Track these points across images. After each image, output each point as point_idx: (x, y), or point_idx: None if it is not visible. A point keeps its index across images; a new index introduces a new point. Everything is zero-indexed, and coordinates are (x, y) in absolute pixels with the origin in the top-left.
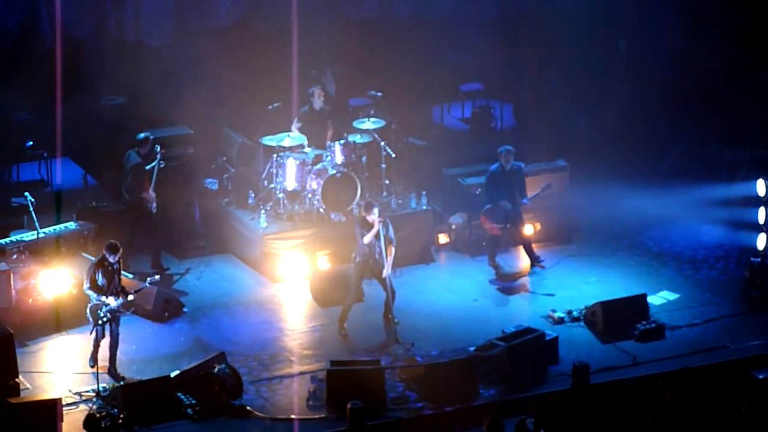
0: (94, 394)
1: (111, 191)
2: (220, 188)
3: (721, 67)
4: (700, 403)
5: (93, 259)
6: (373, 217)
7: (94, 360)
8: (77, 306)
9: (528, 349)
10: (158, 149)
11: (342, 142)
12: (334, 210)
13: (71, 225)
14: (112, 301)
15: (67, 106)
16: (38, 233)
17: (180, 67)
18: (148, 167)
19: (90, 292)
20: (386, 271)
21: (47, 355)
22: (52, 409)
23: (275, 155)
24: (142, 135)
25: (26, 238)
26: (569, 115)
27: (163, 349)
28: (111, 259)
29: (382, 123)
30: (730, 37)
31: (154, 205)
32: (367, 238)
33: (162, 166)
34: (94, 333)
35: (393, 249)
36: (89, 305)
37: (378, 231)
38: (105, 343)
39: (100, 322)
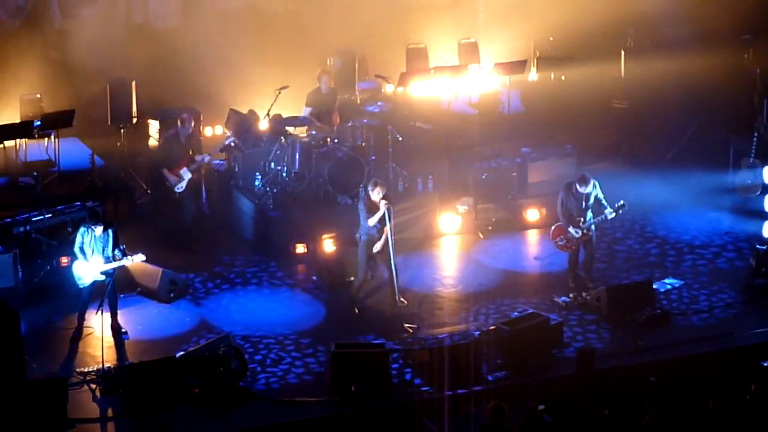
0: (99, 374)
1: (116, 171)
2: (227, 169)
3: (729, 54)
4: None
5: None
6: (379, 197)
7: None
8: None
9: (533, 334)
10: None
11: (349, 124)
12: (340, 192)
13: (78, 205)
14: (88, 273)
15: (75, 86)
16: (45, 213)
17: (187, 49)
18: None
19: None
20: (378, 246)
21: (53, 335)
22: (58, 388)
23: (282, 137)
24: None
25: (33, 218)
26: (576, 100)
27: (168, 330)
28: (95, 231)
29: (389, 106)
30: (738, 26)
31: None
32: (372, 221)
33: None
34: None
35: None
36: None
37: (384, 214)
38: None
39: (79, 285)
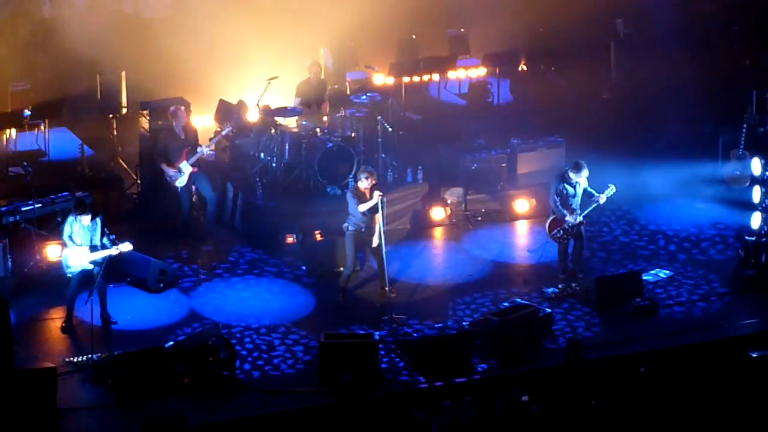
0: (88, 363)
1: (106, 161)
2: (217, 160)
3: (719, 45)
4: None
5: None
6: (368, 185)
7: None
8: None
9: (522, 325)
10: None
11: (339, 115)
12: (330, 183)
13: (67, 195)
14: (76, 262)
15: (65, 76)
16: (35, 203)
17: (177, 39)
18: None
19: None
20: (376, 241)
21: (42, 325)
22: (48, 378)
23: (272, 128)
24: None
25: (22, 208)
26: (566, 91)
27: (158, 320)
28: (82, 220)
29: (379, 97)
30: (728, 17)
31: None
32: (363, 207)
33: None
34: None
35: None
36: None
37: (375, 204)
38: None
39: (68, 274)
